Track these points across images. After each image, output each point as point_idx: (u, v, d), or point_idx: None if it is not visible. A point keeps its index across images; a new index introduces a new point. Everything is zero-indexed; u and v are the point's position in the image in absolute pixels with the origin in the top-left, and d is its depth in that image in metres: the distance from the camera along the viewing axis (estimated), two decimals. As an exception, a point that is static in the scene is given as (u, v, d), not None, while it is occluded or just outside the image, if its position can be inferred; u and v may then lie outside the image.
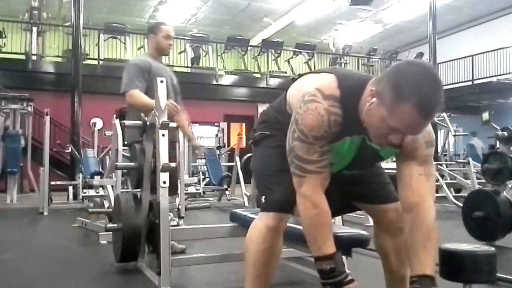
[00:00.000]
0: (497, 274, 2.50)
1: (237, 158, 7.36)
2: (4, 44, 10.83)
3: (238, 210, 2.73)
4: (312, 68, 13.53)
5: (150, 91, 3.30)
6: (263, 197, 1.60)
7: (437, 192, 6.35)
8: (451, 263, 1.48)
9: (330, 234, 1.42)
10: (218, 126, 12.09)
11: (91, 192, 5.06)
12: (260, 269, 1.61)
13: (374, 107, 1.30)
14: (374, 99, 1.30)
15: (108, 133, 6.45)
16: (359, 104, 1.36)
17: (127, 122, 2.95)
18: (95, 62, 11.25)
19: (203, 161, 9.17)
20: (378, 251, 1.72)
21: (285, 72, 13.62)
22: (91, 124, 8.94)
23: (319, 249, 1.41)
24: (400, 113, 1.23)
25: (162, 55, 3.56)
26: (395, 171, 1.49)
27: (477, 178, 6.04)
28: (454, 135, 8.99)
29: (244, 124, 13.49)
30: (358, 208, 1.82)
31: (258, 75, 13.34)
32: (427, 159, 1.45)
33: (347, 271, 1.43)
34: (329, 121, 1.36)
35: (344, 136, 1.42)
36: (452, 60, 14.03)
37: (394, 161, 1.51)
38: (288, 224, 2.25)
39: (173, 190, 2.84)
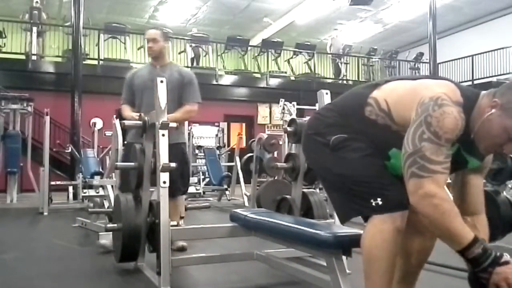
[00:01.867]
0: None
1: (237, 158, 7.37)
2: (4, 44, 10.83)
3: (238, 210, 2.73)
4: (312, 68, 13.54)
5: (136, 101, 3.40)
6: (377, 199, 1.47)
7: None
8: None
9: (463, 222, 1.42)
10: (218, 126, 12.08)
11: (91, 192, 5.06)
12: (391, 275, 1.50)
13: (495, 117, 1.40)
14: (495, 110, 1.41)
15: (108, 133, 6.45)
16: (471, 114, 1.45)
17: (127, 122, 2.95)
18: (95, 62, 11.25)
19: (203, 161, 9.18)
20: (402, 249, 1.62)
21: (285, 72, 13.62)
22: (91, 124, 8.95)
23: (463, 238, 1.38)
24: None
25: (152, 59, 3.60)
26: None
27: (477, 178, 6.04)
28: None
29: (244, 124, 13.49)
30: None
31: (258, 75, 13.34)
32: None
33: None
34: (462, 126, 1.42)
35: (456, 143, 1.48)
36: (452, 60, 14.03)
37: None
38: (288, 224, 2.25)
39: (173, 191, 2.85)
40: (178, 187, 3.38)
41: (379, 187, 1.48)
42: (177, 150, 3.35)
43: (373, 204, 1.47)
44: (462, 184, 1.60)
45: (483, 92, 1.51)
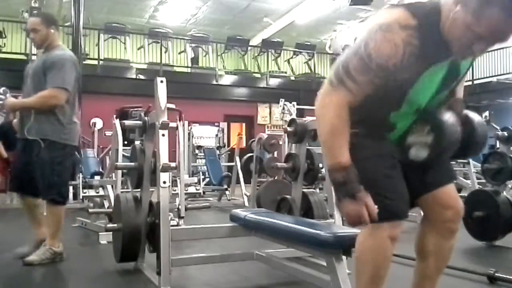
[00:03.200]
0: (497, 274, 2.52)
1: (237, 158, 7.36)
2: (4, 44, 10.83)
3: (238, 210, 2.73)
4: (312, 68, 13.54)
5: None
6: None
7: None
8: None
9: (346, 145, 1.38)
10: (218, 126, 12.09)
11: (91, 192, 5.06)
12: (379, 280, 1.47)
13: (459, 15, 1.28)
14: (459, 7, 1.28)
15: (108, 133, 6.45)
16: (439, 23, 1.35)
17: (127, 122, 2.95)
18: (95, 62, 11.25)
19: (203, 161, 9.18)
20: (417, 249, 1.62)
21: (285, 72, 13.62)
22: (91, 124, 8.95)
23: (333, 157, 1.38)
24: (486, 17, 1.22)
25: (38, 48, 3.42)
26: None
27: (477, 178, 6.04)
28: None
29: (244, 124, 13.49)
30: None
31: (258, 75, 13.34)
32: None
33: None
34: (404, 53, 1.33)
35: (428, 67, 1.39)
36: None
37: None
38: (288, 224, 2.25)
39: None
40: (41, 188, 3.05)
41: (377, 193, 1.42)
42: (31, 147, 3.04)
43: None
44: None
45: None
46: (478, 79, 13.16)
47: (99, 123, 8.88)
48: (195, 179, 6.63)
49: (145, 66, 11.97)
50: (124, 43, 11.96)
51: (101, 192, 4.74)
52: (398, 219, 1.45)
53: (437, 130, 1.45)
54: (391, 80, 1.37)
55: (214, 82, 12.34)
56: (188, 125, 8.25)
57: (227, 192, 7.48)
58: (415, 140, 1.47)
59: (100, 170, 6.64)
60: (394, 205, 1.44)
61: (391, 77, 1.37)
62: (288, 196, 3.35)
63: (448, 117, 1.47)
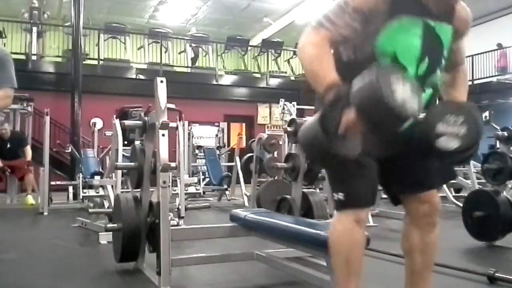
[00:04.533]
0: (497, 274, 2.52)
1: (237, 158, 7.36)
2: (4, 44, 10.81)
3: (238, 210, 2.73)
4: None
5: None
6: (339, 194, 1.48)
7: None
8: None
9: (331, 69, 1.40)
10: (218, 126, 12.09)
11: (91, 192, 5.06)
12: (353, 266, 1.49)
13: None
14: None
15: (108, 133, 6.44)
16: None
17: (127, 122, 2.95)
18: (95, 62, 11.25)
19: (203, 161, 9.17)
20: (403, 246, 1.66)
21: (285, 72, 13.62)
22: (91, 124, 8.93)
23: (321, 81, 1.38)
24: None
25: None
26: None
27: (477, 178, 6.04)
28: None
29: (244, 124, 13.49)
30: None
31: (258, 75, 13.34)
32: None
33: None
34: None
35: (398, 13, 1.43)
36: (452, 60, 14.03)
37: None
38: (288, 224, 2.26)
39: None
40: None
41: (342, 179, 1.48)
42: None
43: (336, 198, 1.49)
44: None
45: None
46: (478, 79, 13.16)
47: (99, 123, 8.85)
48: (195, 179, 6.63)
49: (145, 66, 11.98)
50: (124, 43, 11.96)
51: (101, 192, 4.74)
52: (362, 207, 1.48)
53: (470, 123, 1.43)
54: (367, 27, 1.43)
55: (214, 82, 12.35)
56: (188, 125, 8.25)
57: (227, 192, 7.48)
58: (446, 130, 1.43)
59: (100, 170, 6.63)
60: (357, 193, 1.47)
61: (366, 24, 1.43)
62: (288, 196, 3.36)
63: (479, 115, 1.47)
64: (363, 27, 1.43)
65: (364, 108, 1.29)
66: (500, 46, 12.80)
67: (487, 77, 12.86)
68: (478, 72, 13.25)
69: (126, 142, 4.51)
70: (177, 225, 4.00)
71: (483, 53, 13.02)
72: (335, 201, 1.51)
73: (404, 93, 1.28)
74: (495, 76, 12.63)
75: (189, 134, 8.47)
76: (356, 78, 1.32)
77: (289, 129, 3.37)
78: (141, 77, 11.38)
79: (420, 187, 1.60)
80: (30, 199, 6.73)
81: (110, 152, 5.94)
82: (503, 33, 12.96)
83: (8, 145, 6.95)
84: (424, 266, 1.63)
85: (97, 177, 5.25)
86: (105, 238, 3.68)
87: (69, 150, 7.66)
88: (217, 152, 9.44)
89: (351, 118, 1.31)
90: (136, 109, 5.70)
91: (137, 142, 3.14)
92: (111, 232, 3.15)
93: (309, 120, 1.43)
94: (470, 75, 13.44)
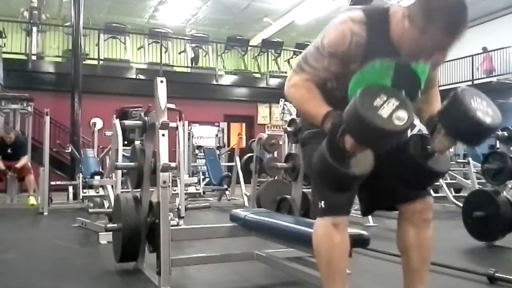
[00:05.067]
0: (497, 274, 2.52)
1: (237, 158, 7.36)
2: (4, 44, 10.82)
3: (238, 210, 2.73)
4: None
5: None
6: (323, 202, 1.57)
7: (437, 192, 6.35)
8: None
9: (322, 103, 1.51)
10: (218, 126, 12.10)
11: (91, 192, 5.05)
12: (338, 268, 1.59)
13: (407, 30, 1.41)
14: (406, 22, 1.41)
15: (108, 133, 6.44)
16: (389, 26, 1.49)
17: (127, 122, 2.94)
18: (95, 62, 11.26)
19: (203, 161, 9.17)
20: (399, 245, 1.69)
21: (285, 72, 13.61)
22: (91, 124, 8.93)
23: (316, 115, 1.49)
24: (430, 34, 1.35)
25: None
26: None
27: (477, 178, 6.04)
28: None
29: (244, 124, 13.50)
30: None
31: (258, 75, 13.35)
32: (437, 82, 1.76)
33: None
34: (350, 42, 1.47)
35: (372, 57, 1.49)
36: (452, 60, 14.02)
37: None
38: (288, 224, 2.26)
39: None
40: None
41: (323, 190, 1.56)
42: None
43: (320, 205, 1.57)
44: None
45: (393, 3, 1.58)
46: (478, 79, 13.17)
47: (99, 123, 8.85)
48: (195, 179, 6.63)
49: (145, 66, 11.98)
50: (124, 43, 11.97)
51: (101, 192, 4.74)
52: (339, 215, 1.55)
53: (492, 105, 1.49)
54: (345, 69, 1.51)
55: (214, 82, 12.35)
56: (188, 125, 8.25)
57: (227, 192, 7.47)
58: (479, 107, 1.45)
59: (100, 170, 6.63)
60: (336, 203, 1.56)
61: (344, 66, 1.51)
62: (288, 196, 3.36)
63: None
64: (341, 70, 1.52)
65: (351, 131, 1.36)
66: (485, 49, 12.92)
67: (487, 77, 12.87)
68: (478, 72, 13.26)
69: (126, 142, 4.51)
70: (177, 225, 4.00)
71: (483, 53, 13.04)
72: (318, 209, 1.59)
73: (388, 108, 1.32)
74: (495, 76, 12.63)
75: (189, 134, 8.47)
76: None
77: (289, 129, 3.37)
78: (141, 77, 11.38)
79: (413, 191, 1.64)
80: (31, 200, 6.73)
81: (110, 152, 5.94)
82: (503, 33, 12.96)
83: (9, 150, 6.98)
84: (422, 263, 1.65)
85: (97, 177, 5.25)
86: (105, 238, 3.68)
87: (69, 150, 7.66)
88: (217, 152, 9.43)
89: (351, 142, 1.39)
90: (136, 109, 5.70)
91: (137, 142, 3.14)
92: (111, 232, 3.15)
93: (319, 148, 1.48)
94: (470, 75, 13.45)
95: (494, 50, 12.74)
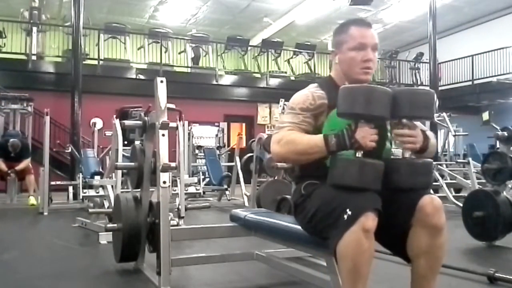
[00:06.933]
0: (497, 274, 2.52)
1: (237, 158, 7.36)
2: (4, 44, 10.83)
3: (238, 210, 2.73)
4: (312, 68, 13.54)
5: None
6: (347, 212, 1.55)
7: (437, 192, 6.35)
8: None
9: (311, 135, 1.71)
10: (218, 126, 12.10)
11: (91, 192, 5.06)
12: (358, 274, 1.56)
13: (340, 57, 1.80)
14: (333, 55, 1.83)
15: (108, 133, 6.44)
16: (334, 82, 1.83)
17: (127, 122, 2.95)
18: (95, 62, 11.25)
19: (203, 161, 9.17)
20: (409, 251, 1.68)
21: (285, 72, 13.63)
22: (91, 124, 8.94)
23: (317, 145, 1.65)
24: (349, 36, 1.76)
25: None
26: None
27: (477, 178, 6.04)
28: (454, 135, 8.99)
29: (244, 124, 13.49)
30: None
31: (258, 75, 13.34)
32: None
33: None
34: (313, 96, 1.79)
35: (334, 107, 1.70)
36: (452, 60, 14.03)
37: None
38: (288, 224, 2.25)
39: None
40: None
41: (342, 199, 1.58)
42: None
43: (345, 217, 1.55)
44: None
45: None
46: (478, 79, 13.16)
47: (99, 123, 8.86)
48: (195, 179, 6.62)
49: (145, 66, 11.98)
50: (124, 43, 11.96)
51: (101, 192, 4.74)
52: (369, 210, 1.53)
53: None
54: (317, 122, 1.77)
55: (214, 82, 12.35)
56: (188, 125, 8.24)
57: (227, 192, 7.48)
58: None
59: (100, 170, 6.63)
60: (362, 202, 1.55)
61: (316, 119, 1.77)
62: (288, 196, 3.35)
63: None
64: (314, 123, 1.77)
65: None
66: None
67: (487, 77, 12.87)
68: (478, 72, 13.26)
69: (126, 142, 4.51)
70: (177, 225, 4.00)
71: (483, 53, 13.04)
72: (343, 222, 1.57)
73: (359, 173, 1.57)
74: (495, 76, 12.63)
75: (189, 134, 8.47)
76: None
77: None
78: (141, 77, 11.38)
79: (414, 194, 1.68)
80: (32, 200, 6.73)
81: (110, 152, 5.95)
82: (503, 33, 12.96)
83: (12, 154, 7.00)
84: (431, 270, 1.65)
85: (97, 177, 5.25)
86: (105, 238, 3.68)
87: (69, 150, 7.66)
88: (217, 152, 9.44)
89: (364, 130, 1.59)
90: (136, 109, 5.69)
91: (137, 142, 3.14)
92: (111, 232, 3.15)
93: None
94: (470, 75, 13.45)
95: (494, 50, 12.73)
